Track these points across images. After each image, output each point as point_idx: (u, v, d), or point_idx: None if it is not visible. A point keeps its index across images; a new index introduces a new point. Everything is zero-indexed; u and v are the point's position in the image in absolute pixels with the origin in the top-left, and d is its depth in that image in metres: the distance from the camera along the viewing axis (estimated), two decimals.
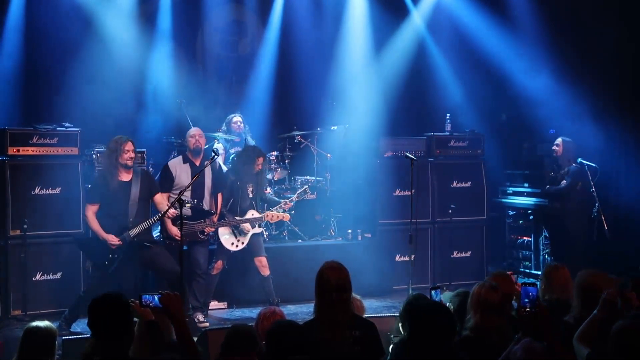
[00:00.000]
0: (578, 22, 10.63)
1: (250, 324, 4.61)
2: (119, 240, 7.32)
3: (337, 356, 4.43)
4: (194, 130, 8.27)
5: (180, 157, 8.25)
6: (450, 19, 11.65)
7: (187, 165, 8.10)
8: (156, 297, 4.08)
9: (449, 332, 4.09)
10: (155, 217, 7.41)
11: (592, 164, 9.28)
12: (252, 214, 8.17)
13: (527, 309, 4.15)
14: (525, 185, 10.53)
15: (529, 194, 10.37)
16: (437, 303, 4.58)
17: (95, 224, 7.38)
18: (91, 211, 7.43)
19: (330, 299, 4.53)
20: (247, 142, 9.61)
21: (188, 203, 7.59)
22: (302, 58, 11.54)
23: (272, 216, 8.22)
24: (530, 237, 10.33)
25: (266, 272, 8.23)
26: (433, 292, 4.95)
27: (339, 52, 11.58)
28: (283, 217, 8.35)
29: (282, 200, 8.51)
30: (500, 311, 4.47)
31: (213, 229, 8.03)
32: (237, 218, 8.08)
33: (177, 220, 7.51)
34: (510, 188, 10.80)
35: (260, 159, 8.21)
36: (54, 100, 9.83)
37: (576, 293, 4.90)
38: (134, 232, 7.37)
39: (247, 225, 8.14)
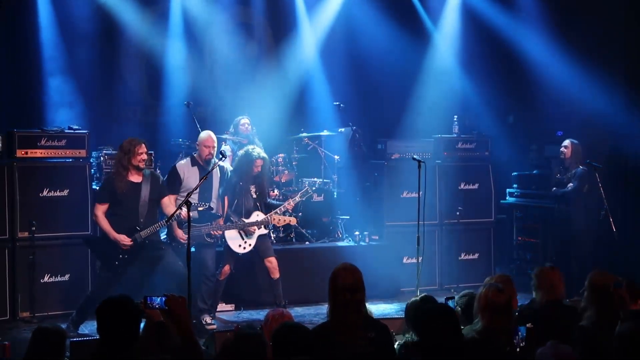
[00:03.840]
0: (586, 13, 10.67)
1: (257, 326, 4.61)
2: (130, 241, 7.33)
3: (352, 357, 4.43)
4: (209, 141, 8.00)
5: (188, 160, 8.15)
6: (459, 19, 11.65)
7: (196, 169, 8.02)
8: (160, 299, 4.09)
9: (454, 334, 4.14)
10: (166, 219, 7.39)
11: (599, 165, 9.23)
12: (257, 214, 8.14)
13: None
14: (533, 187, 10.49)
15: (536, 196, 10.34)
16: (442, 306, 4.58)
17: (105, 224, 7.38)
18: (100, 211, 7.42)
19: (344, 300, 4.52)
20: (254, 145, 9.60)
21: (201, 207, 7.60)
22: (310, 60, 11.56)
23: (279, 220, 8.13)
24: (538, 239, 10.30)
25: (276, 274, 8.20)
26: (449, 301, 4.95)
27: (345, 54, 11.60)
28: (290, 220, 8.19)
29: (286, 201, 8.49)
30: (508, 312, 4.47)
31: (220, 232, 8.00)
32: (245, 220, 8.07)
33: (184, 222, 7.51)
34: (518, 190, 10.77)
35: (259, 161, 8.17)
36: (61, 103, 9.89)
37: (589, 296, 4.88)
38: (145, 233, 7.38)
39: (252, 225, 8.14)
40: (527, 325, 4.56)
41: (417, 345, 4.39)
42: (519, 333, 4.52)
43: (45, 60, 9.96)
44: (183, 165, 8.09)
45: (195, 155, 8.19)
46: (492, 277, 5.38)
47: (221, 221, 8.01)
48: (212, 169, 7.76)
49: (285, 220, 8.19)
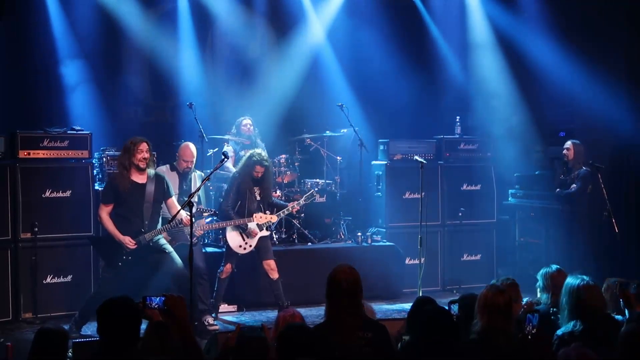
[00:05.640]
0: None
1: (258, 328, 4.60)
2: (134, 244, 7.33)
3: (348, 358, 4.43)
4: (187, 155, 8.08)
5: (167, 165, 8.21)
6: (461, 19, 11.65)
7: (175, 174, 8.10)
8: (159, 299, 4.09)
9: (450, 335, 4.18)
10: (171, 222, 7.37)
11: (602, 166, 9.21)
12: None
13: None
14: (535, 188, 10.48)
15: (539, 197, 10.33)
16: (441, 308, 4.59)
17: (110, 225, 7.36)
18: (105, 212, 7.40)
19: (341, 302, 4.53)
20: (256, 145, 9.60)
21: (207, 212, 7.63)
22: (312, 60, 11.55)
23: (260, 217, 8.12)
24: (540, 240, 10.29)
25: (275, 275, 8.22)
26: (452, 305, 4.95)
27: (347, 54, 11.59)
28: (270, 218, 8.18)
29: (289, 204, 8.49)
30: (507, 314, 4.48)
31: (202, 232, 8.09)
32: (240, 220, 8.06)
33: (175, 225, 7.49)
34: (521, 191, 10.76)
35: (258, 167, 8.16)
36: (64, 103, 9.90)
37: (571, 307, 4.84)
38: (149, 235, 7.37)
39: (254, 228, 8.14)
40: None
41: (414, 345, 4.40)
42: (531, 321, 4.52)
43: (47, 60, 9.96)
44: (163, 170, 8.08)
45: (175, 163, 8.22)
46: (497, 280, 5.38)
47: (203, 221, 8.01)
48: (213, 170, 7.75)
49: (266, 218, 8.16)
